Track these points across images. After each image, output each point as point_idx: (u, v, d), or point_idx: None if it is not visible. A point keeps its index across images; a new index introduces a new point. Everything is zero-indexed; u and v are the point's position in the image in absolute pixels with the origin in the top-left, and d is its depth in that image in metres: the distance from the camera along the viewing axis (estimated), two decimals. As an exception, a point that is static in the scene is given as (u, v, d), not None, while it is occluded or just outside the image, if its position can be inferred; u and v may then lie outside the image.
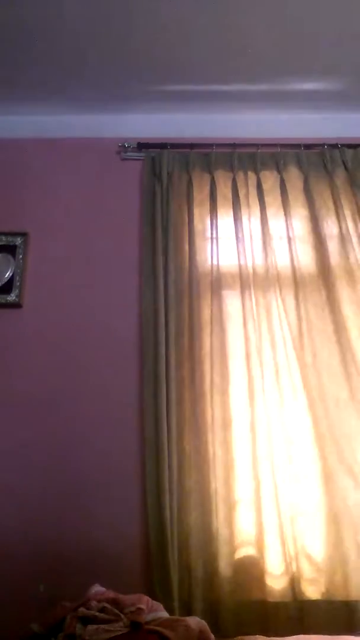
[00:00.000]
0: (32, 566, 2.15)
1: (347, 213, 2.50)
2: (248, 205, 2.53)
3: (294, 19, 2.11)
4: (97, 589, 1.72)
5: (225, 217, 2.51)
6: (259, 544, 2.08)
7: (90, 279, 2.52)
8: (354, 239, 2.46)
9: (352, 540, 2.06)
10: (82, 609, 1.56)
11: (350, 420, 2.21)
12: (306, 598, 2.02)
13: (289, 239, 2.47)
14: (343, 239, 2.45)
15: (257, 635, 1.82)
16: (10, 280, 2.49)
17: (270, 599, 2.02)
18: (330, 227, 2.49)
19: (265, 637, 1.74)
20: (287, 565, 2.05)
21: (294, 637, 1.76)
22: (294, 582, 2.04)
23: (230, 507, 2.13)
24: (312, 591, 2.04)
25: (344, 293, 2.39)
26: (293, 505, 2.12)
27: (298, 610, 2.01)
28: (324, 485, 2.16)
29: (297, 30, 2.17)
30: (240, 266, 2.41)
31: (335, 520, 2.10)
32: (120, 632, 1.46)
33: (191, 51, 2.28)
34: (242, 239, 2.46)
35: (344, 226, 2.46)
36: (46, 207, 2.61)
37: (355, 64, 2.37)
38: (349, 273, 2.40)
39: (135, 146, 2.62)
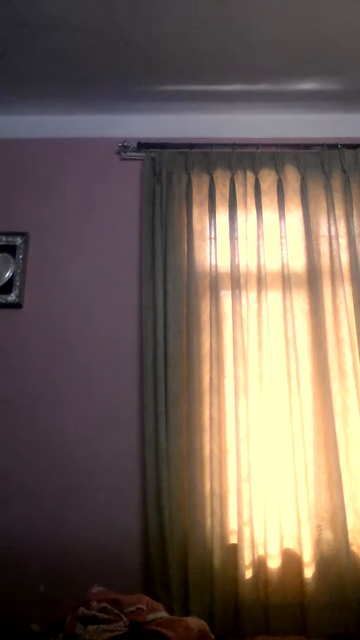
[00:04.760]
0: (32, 566, 2.15)
1: (339, 214, 2.50)
2: (245, 205, 2.52)
3: (295, 18, 2.10)
4: (97, 589, 1.72)
5: (224, 217, 2.50)
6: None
7: (90, 279, 2.52)
8: (342, 241, 2.46)
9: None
10: (82, 609, 1.56)
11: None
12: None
13: (284, 240, 2.47)
14: (332, 240, 2.44)
15: (257, 636, 1.82)
16: (10, 280, 2.49)
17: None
18: (322, 229, 2.49)
19: (265, 637, 1.74)
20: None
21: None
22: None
23: (224, 506, 2.15)
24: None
25: (336, 292, 2.39)
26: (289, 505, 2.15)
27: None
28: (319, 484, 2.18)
29: (297, 30, 2.16)
30: (237, 266, 2.41)
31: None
32: (120, 632, 1.46)
33: (191, 51, 2.27)
34: (237, 239, 2.45)
35: (333, 228, 2.46)
36: (46, 207, 2.61)
37: (355, 64, 2.37)
38: (336, 274, 2.40)
39: (135, 146, 2.61)
